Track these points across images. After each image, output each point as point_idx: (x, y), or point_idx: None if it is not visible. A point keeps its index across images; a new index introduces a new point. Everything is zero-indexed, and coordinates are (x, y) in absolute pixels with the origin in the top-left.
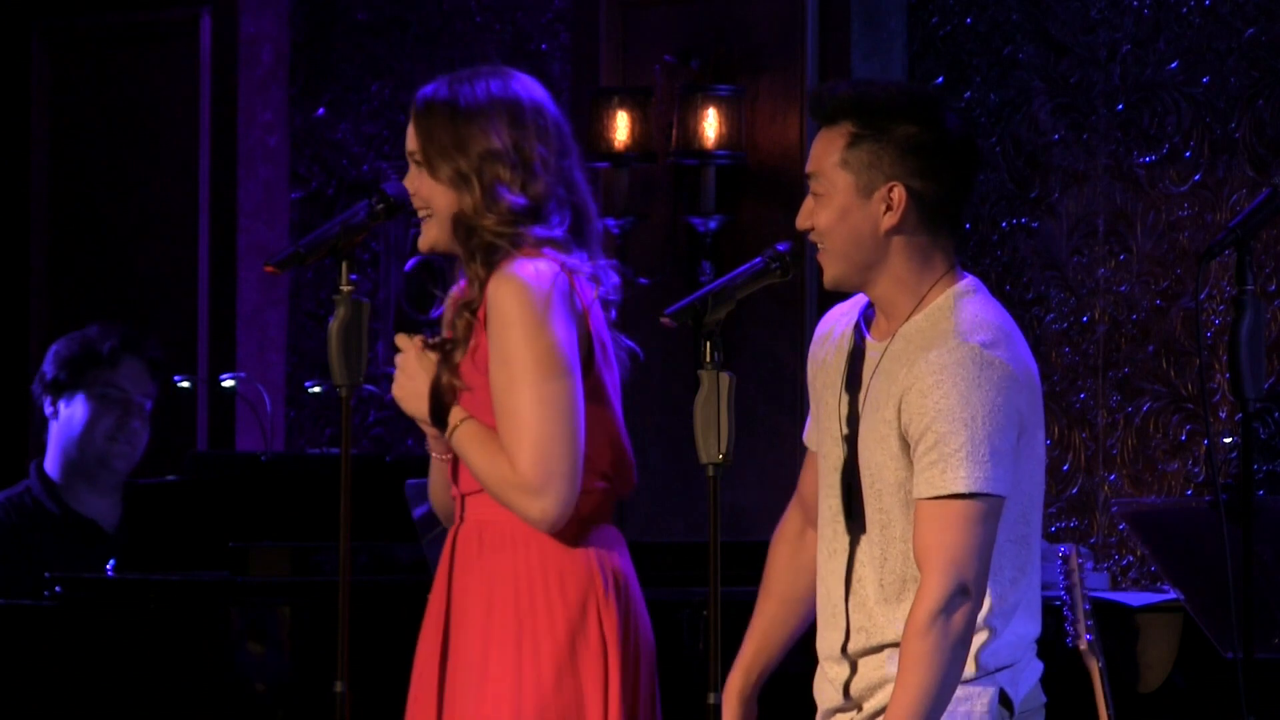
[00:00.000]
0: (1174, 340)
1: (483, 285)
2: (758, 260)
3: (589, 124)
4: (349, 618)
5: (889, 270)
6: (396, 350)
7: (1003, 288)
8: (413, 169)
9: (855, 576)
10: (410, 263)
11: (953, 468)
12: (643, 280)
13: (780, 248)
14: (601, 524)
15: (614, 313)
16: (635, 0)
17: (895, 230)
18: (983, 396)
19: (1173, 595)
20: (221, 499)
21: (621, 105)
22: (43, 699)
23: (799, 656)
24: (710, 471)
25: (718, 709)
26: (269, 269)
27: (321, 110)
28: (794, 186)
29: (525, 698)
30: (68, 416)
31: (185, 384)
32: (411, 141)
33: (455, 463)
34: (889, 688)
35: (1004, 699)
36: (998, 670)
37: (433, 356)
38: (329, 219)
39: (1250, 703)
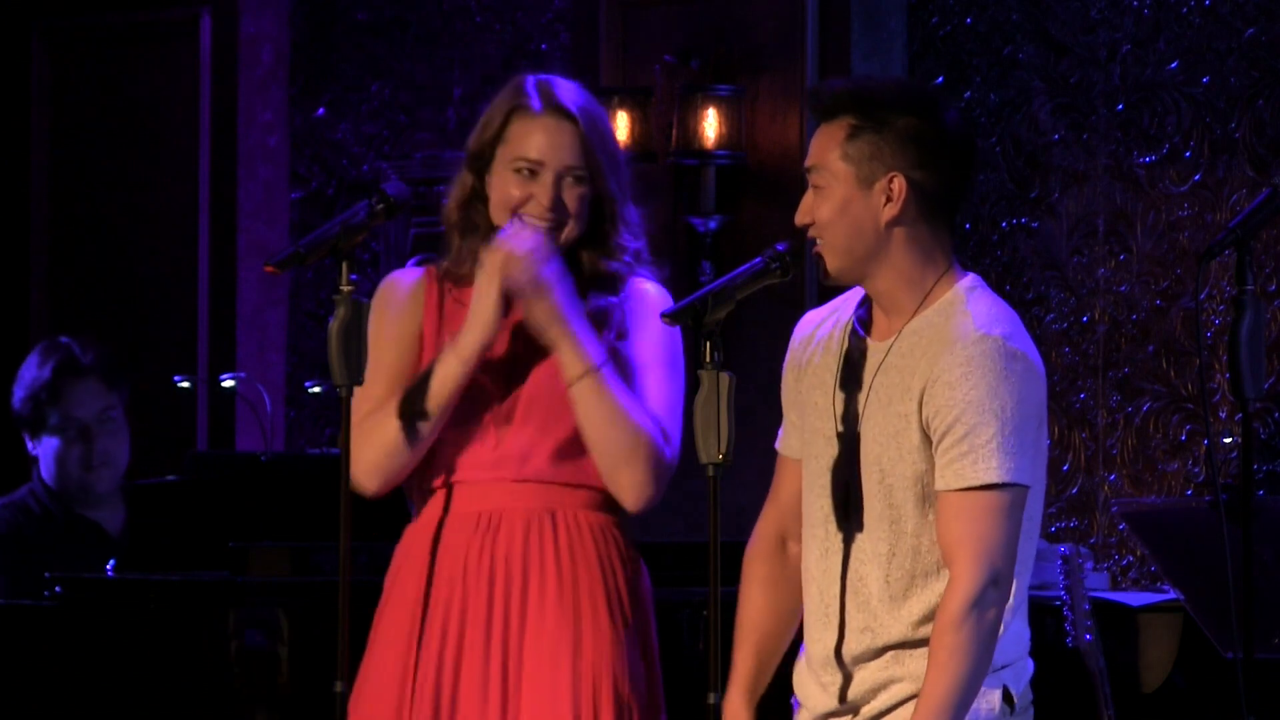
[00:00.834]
0: (1174, 340)
1: (607, 299)
2: (758, 260)
3: None
4: (349, 618)
5: (890, 263)
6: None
7: (1003, 288)
8: (571, 180)
9: (854, 575)
10: (410, 262)
11: (984, 459)
12: None
13: (780, 248)
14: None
15: None
16: (635, 0)
17: (895, 222)
18: (1010, 388)
19: (1173, 595)
20: (221, 499)
21: (621, 105)
22: (43, 699)
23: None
24: (710, 471)
25: (718, 709)
26: (269, 269)
27: (321, 110)
28: (794, 186)
29: (621, 680)
30: (42, 453)
31: (185, 384)
32: (577, 156)
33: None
34: (894, 689)
35: (1007, 696)
36: (1003, 667)
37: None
38: (329, 219)
39: (1250, 703)
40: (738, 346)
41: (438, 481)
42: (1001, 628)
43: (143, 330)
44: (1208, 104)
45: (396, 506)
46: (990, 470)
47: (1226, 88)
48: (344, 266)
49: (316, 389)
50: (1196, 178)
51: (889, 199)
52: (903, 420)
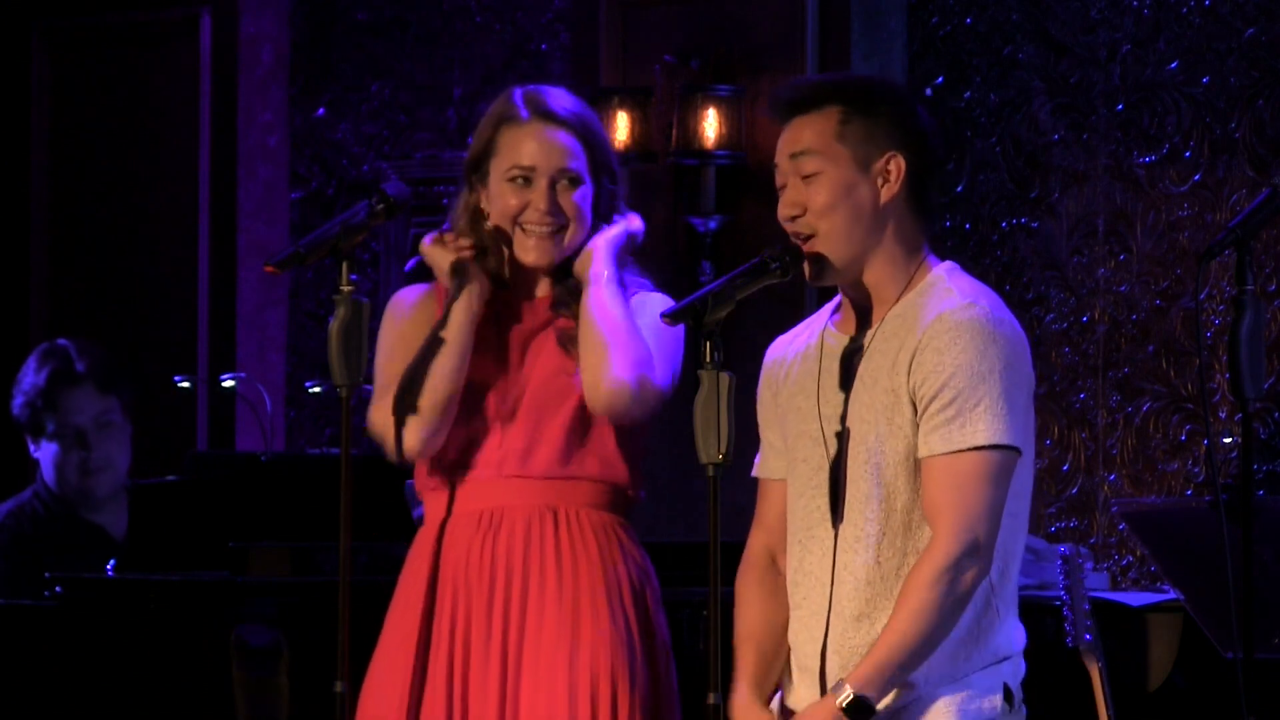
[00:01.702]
0: (1174, 340)
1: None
2: (758, 260)
3: None
4: (349, 618)
5: (882, 252)
6: None
7: (1003, 288)
8: (566, 184)
9: (843, 565)
10: (410, 262)
11: (971, 421)
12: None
13: (780, 248)
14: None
15: None
16: (635, 0)
17: (890, 206)
18: (999, 352)
19: (1173, 595)
20: (221, 499)
21: (621, 105)
22: (43, 699)
23: None
24: (710, 471)
25: (718, 709)
26: (269, 269)
27: (321, 110)
28: None
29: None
30: (43, 459)
31: (185, 384)
32: (572, 160)
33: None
34: (893, 691)
35: (1007, 694)
36: (1003, 660)
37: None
38: (329, 219)
39: (1250, 703)
40: (738, 346)
41: (442, 480)
42: (999, 617)
43: (143, 330)
44: (1208, 104)
45: (397, 506)
46: (979, 433)
47: (1226, 88)
48: (344, 266)
49: (316, 389)
50: (1196, 178)
51: (886, 180)
52: (891, 395)
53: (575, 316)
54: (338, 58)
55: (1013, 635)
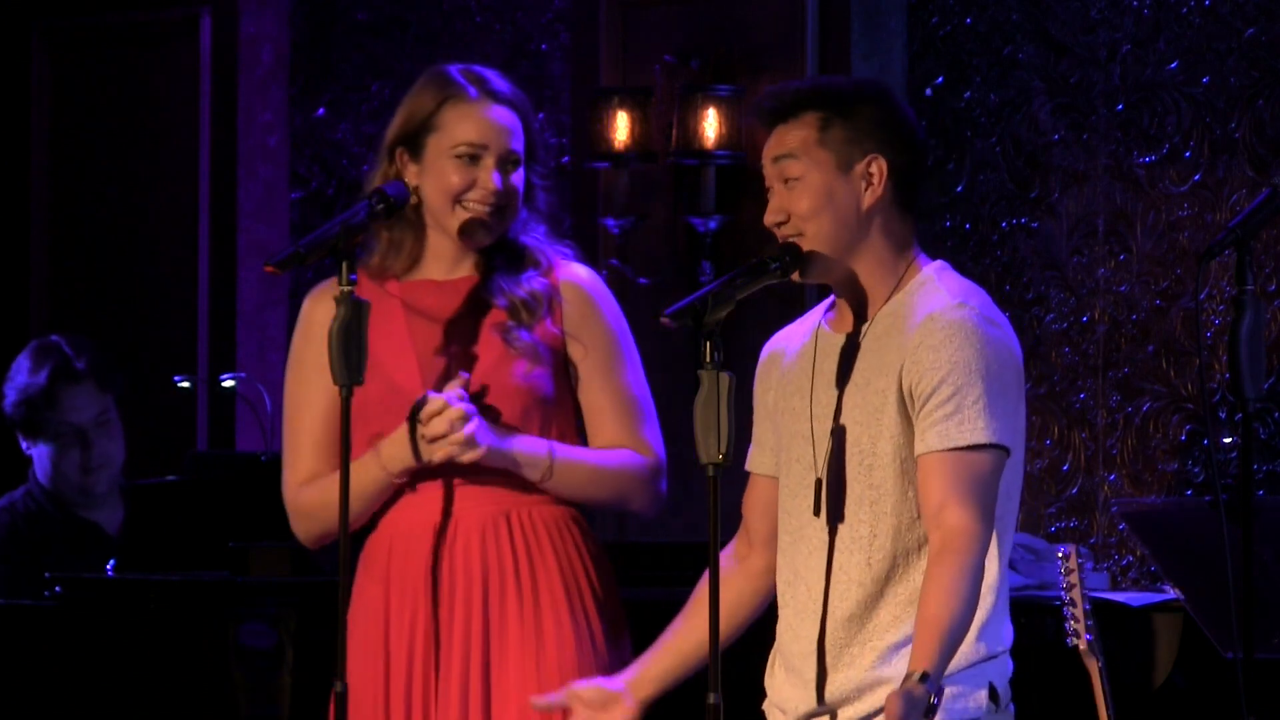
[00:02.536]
0: (1174, 340)
1: (539, 279)
2: (758, 260)
3: (589, 124)
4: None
5: (870, 252)
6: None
7: (1003, 288)
8: (510, 165)
9: (836, 565)
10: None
11: (970, 419)
12: (643, 280)
13: (780, 248)
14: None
15: None
16: (635, 0)
17: (875, 207)
18: (993, 352)
19: (1173, 595)
20: (221, 499)
21: (621, 105)
22: (43, 699)
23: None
24: (710, 471)
25: (718, 709)
26: (269, 269)
27: (321, 110)
28: None
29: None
30: (38, 457)
31: (185, 384)
32: (515, 140)
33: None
34: (881, 691)
35: (993, 693)
36: (992, 658)
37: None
38: (329, 219)
39: (1250, 703)
40: (738, 346)
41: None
42: (991, 612)
43: (143, 330)
44: (1208, 104)
45: None
46: (977, 430)
47: (1226, 88)
48: (344, 266)
49: None
50: (1196, 178)
51: (869, 183)
52: (881, 396)
53: (514, 312)
54: (338, 58)
55: (1000, 633)
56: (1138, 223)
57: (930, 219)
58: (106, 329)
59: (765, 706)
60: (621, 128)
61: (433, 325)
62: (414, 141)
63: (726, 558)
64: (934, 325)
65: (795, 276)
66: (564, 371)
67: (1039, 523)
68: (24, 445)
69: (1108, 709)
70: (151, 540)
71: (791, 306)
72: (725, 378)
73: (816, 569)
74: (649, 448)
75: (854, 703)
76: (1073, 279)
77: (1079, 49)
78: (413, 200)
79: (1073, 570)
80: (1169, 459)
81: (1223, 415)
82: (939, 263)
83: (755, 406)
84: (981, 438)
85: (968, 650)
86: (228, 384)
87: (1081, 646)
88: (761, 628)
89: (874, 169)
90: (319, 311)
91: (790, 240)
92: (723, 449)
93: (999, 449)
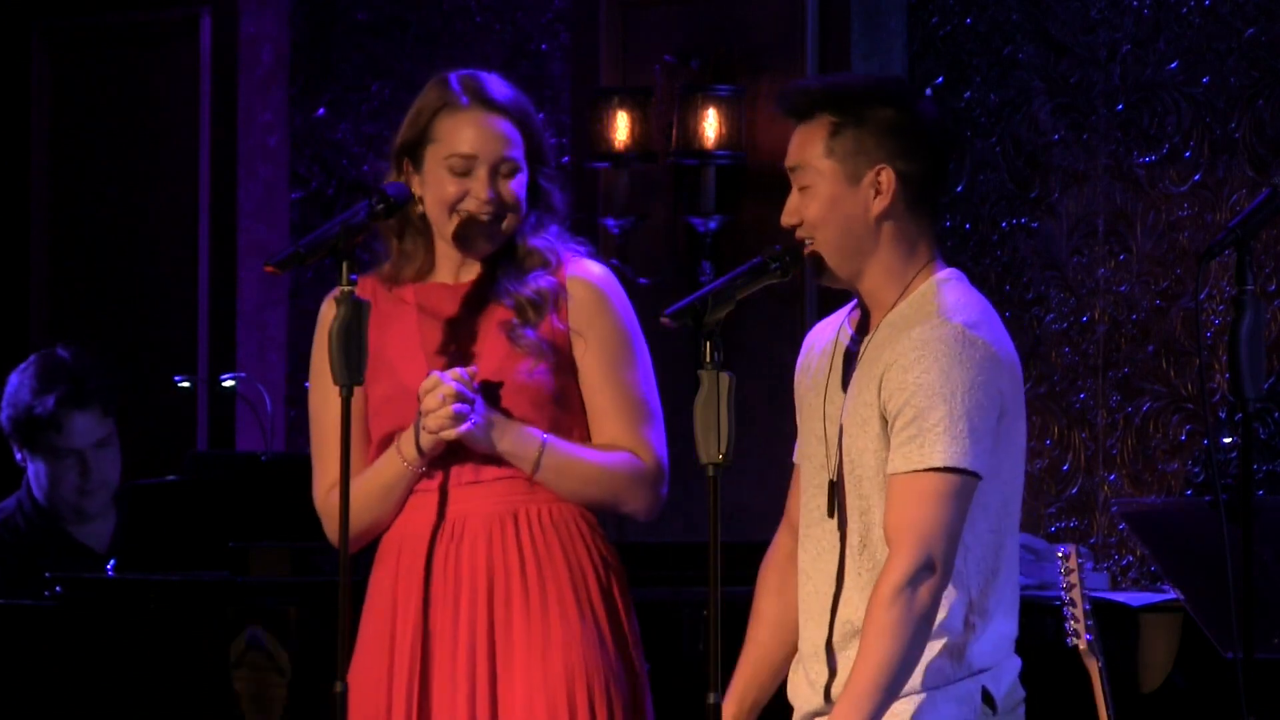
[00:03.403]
0: (1174, 340)
1: (547, 277)
2: (758, 260)
3: (589, 124)
4: (349, 618)
5: (879, 259)
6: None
7: (1003, 288)
8: (505, 172)
9: (843, 570)
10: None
11: (929, 442)
12: (643, 280)
13: (780, 248)
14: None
15: None
16: (635, 0)
17: (885, 215)
18: (964, 373)
19: (1173, 595)
20: (221, 499)
21: (621, 105)
22: (43, 699)
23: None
24: (710, 471)
25: (717, 709)
26: (269, 269)
27: (321, 110)
28: None
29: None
30: (34, 473)
31: (185, 384)
32: (512, 148)
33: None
34: None
35: (987, 697)
36: (981, 671)
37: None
38: (329, 219)
39: (1250, 703)
40: (738, 346)
41: (426, 484)
42: (972, 630)
43: (143, 330)
44: (1208, 104)
45: None
46: (935, 454)
47: (1226, 88)
48: (344, 266)
49: None
50: (1196, 178)
51: (878, 192)
52: (868, 409)
53: (520, 311)
54: (338, 58)
55: (995, 646)
56: (1138, 223)
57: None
58: (106, 329)
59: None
60: (621, 128)
61: (442, 327)
62: (415, 152)
63: (772, 566)
64: (910, 343)
65: (816, 278)
66: (570, 369)
67: (1039, 523)
68: (17, 456)
69: (1108, 709)
70: (151, 540)
71: (791, 306)
72: (725, 378)
73: (824, 570)
74: (650, 450)
75: None
76: (1073, 279)
77: (1079, 49)
78: (419, 208)
79: (1073, 570)
80: (1169, 459)
81: (1223, 415)
82: (950, 272)
83: (796, 398)
84: (939, 461)
85: (955, 669)
86: (228, 384)
87: (1081, 646)
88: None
89: (882, 179)
90: (331, 316)
91: (803, 242)
92: (723, 449)
93: (961, 473)
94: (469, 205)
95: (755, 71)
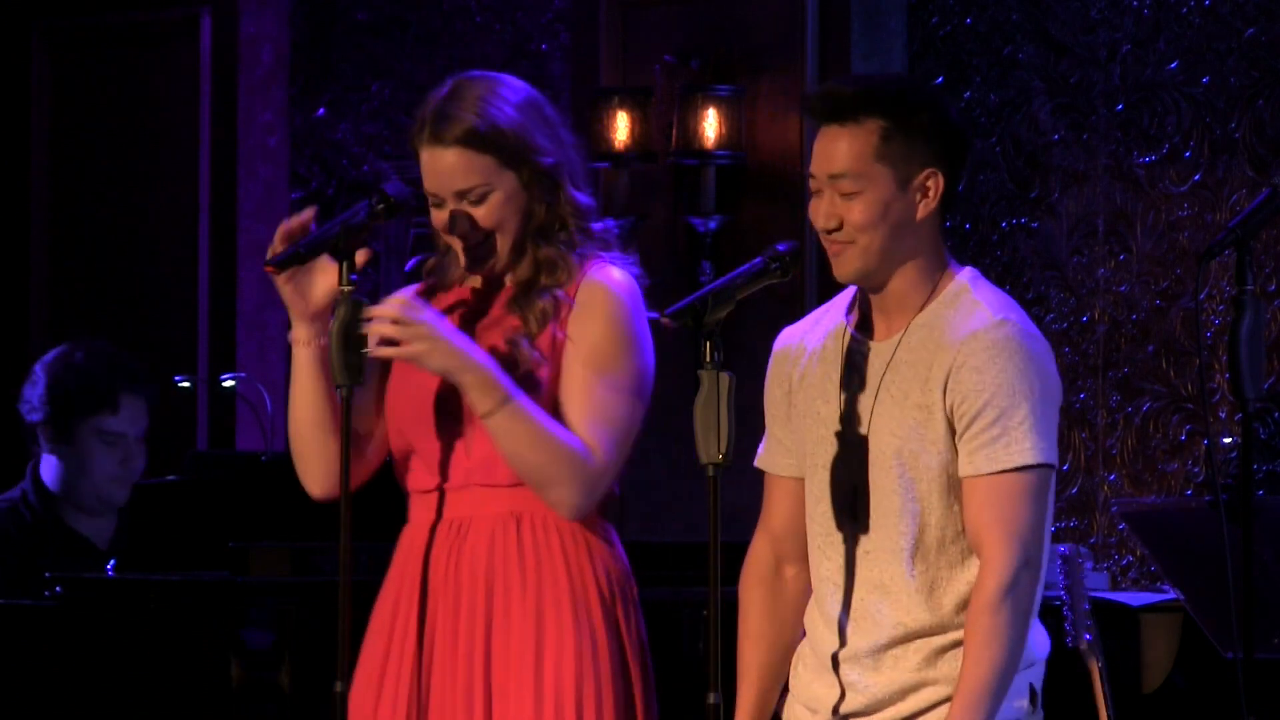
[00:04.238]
0: (1174, 340)
1: (561, 280)
2: (758, 260)
3: (589, 124)
4: (349, 618)
5: (915, 262)
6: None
7: (1003, 288)
8: (471, 201)
9: (881, 575)
10: (410, 262)
11: (1017, 440)
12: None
13: (780, 248)
14: (610, 523)
15: None
16: (635, 0)
17: (927, 219)
18: (1037, 370)
19: (1173, 595)
20: (221, 499)
21: (621, 105)
22: (43, 699)
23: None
24: (710, 471)
25: (718, 709)
26: (269, 270)
27: (321, 110)
28: (794, 187)
29: (585, 684)
30: (69, 457)
31: (185, 384)
32: (466, 177)
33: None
34: (926, 692)
35: (1033, 695)
36: (1032, 665)
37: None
38: (329, 219)
39: (1250, 703)
40: (738, 346)
41: (414, 489)
42: (1031, 628)
43: (143, 330)
44: (1208, 104)
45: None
46: (1025, 452)
47: (1226, 88)
48: (343, 266)
49: None
50: (1196, 178)
51: (924, 195)
52: (924, 412)
53: (525, 322)
54: (338, 58)
55: (1042, 640)
56: (1138, 223)
57: None
58: (106, 329)
59: (788, 703)
60: (621, 128)
61: (466, 330)
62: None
63: (757, 582)
64: (977, 345)
65: (844, 277)
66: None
67: None
68: (45, 445)
69: (1108, 709)
70: (151, 540)
71: (791, 306)
72: (725, 378)
73: (863, 576)
74: (601, 449)
75: (898, 703)
76: (1073, 279)
77: (1079, 49)
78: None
79: (1073, 570)
80: (1169, 459)
81: (1223, 415)
82: (969, 270)
83: (768, 405)
84: (1029, 459)
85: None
86: (228, 384)
87: (1081, 646)
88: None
89: (931, 184)
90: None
91: (840, 244)
92: (723, 449)
93: (1046, 468)
94: (448, 237)
95: (755, 71)
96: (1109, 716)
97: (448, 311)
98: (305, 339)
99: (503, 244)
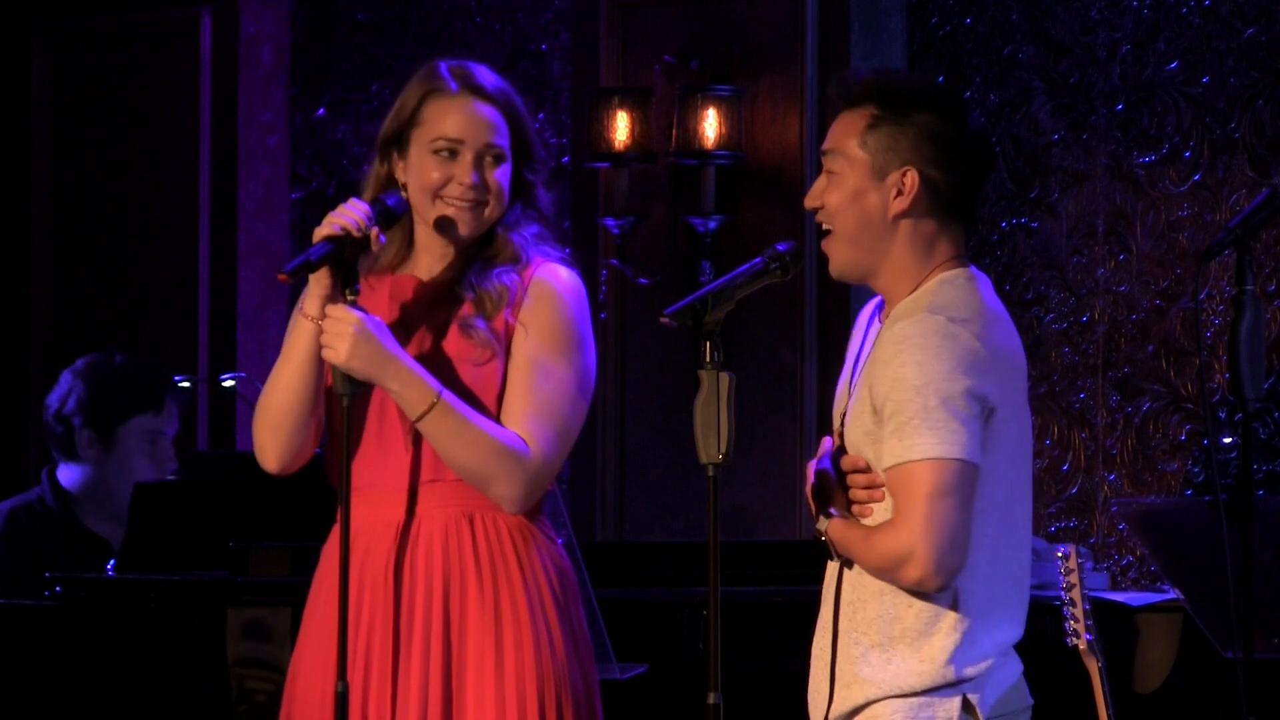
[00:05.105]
0: (1174, 340)
1: (519, 269)
2: (758, 260)
3: (589, 124)
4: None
5: (892, 257)
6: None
7: (1003, 288)
8: (490, 160)
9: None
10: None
11: (908, 434)
12: (643, 280)
13: (780, 248)
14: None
15: None
16: (635, 0)
17: (903, 215)
18: (940, 365)
19: (1173, 595)
20: (221, 499)
21: (621, 105)
22: (43, 699)
23: (801, 657)
24: (710, 471)
25: (718, 709)
26: (282, 278)
27: (321, 110)
28: (794, 186)
29: (547, 682)
30: (105, 461)
31: (185, 384)
32: (498, 135)
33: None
34: (857, 688)
35: (967, 705)
36: (964, 681)
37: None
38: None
39: (1250, 703)
40: (738, 346)
41: (357, 487)
42: (966, 638)
43: (143, 330)
44: (1207, 104)
45: None
46: (915, 446)
47: (1226, 88)
48: (345, 278)
49: None
50: (1196, 178)
51: (899, 192)
52: (862, 405)
53: (479, 303)
54: (338, 58)
55: (981, 652)
56: (1137, 223)
57: None
58: (107, 329)
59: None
60: (621, 128)
61: (410, 319)
62: (401, 137)
63: None
64: (890, 338)
65: (831, 273)
66: None
67: (1039, 523)
68: (83, 443)
69: (1108, 709)
70: (152, 540)
71: (792, 307)
72: (725, 378)
73: (830, 574)
74: (538, 443)
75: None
76: (1073, 279)
77: (1079, 49)
78: (404, 195)
79: (1073, 570)
80: (1169, 459)
81: (1223, 415)
82: (959, 271)
83: None
84: (918, 454)
85: (933, 673)
86: (228, 384)
87: (1081, 646)
88: (759, 630)
89: (906, 181)
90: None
91: (826, 237)
92: (723, 449)
93: (952, 462)
94: (452, 191)
95: (755, 71)
96: (1109, 716)
97: (390, 299)
98: (317, 315)
99: (490, 214)
